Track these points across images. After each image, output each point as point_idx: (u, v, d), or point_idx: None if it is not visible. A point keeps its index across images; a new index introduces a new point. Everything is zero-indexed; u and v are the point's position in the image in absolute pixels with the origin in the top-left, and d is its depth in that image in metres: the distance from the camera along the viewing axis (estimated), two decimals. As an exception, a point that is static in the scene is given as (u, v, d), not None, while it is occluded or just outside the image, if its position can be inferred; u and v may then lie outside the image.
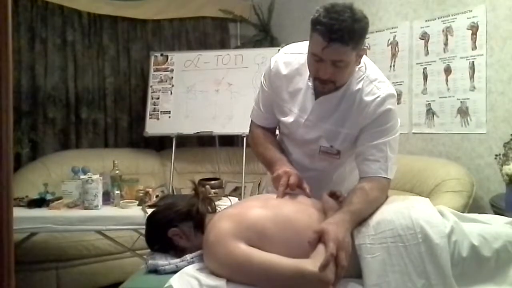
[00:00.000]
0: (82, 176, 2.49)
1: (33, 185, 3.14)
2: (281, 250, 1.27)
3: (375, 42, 3.50)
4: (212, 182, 2.88)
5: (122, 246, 2.82)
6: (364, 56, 1.53)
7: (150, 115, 3.97)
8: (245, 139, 3.69)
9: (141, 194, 2.58)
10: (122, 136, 4.23)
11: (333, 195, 1.49)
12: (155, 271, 1.41)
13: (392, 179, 1.52)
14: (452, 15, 2.99)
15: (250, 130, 1.84)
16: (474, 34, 2.85)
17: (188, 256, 1.41)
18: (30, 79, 3.78)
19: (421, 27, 3.19)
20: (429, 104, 3.15)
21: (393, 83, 3.16)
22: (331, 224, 1.30)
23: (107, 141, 4.16)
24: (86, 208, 2.41)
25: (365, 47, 1.52)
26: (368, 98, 1.50)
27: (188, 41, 4.54)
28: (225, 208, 1.52)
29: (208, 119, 3.86)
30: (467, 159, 2.90)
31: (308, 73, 1.55)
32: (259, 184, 3.94)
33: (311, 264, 1.21)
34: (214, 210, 1.56)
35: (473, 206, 2.59)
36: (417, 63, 3.24)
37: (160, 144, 4.32)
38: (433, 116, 3.13)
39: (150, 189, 2.66)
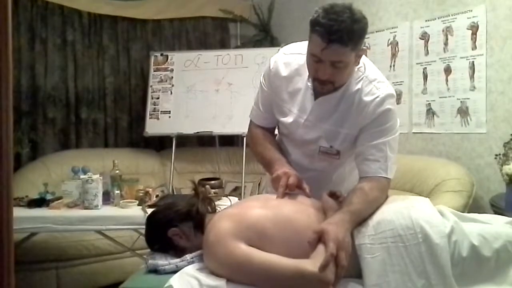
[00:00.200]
0: (82, 176, 2.49)
1: (33, 185, 3.15)
2: (281, 250, 1.27)
3: (375, 42, 3.50)
4: (212, 182, 2.88)
5: (122, 246, 2.82)
6: (363, 56, 1.53)
7: (150, 115, 3.97)
8: (245, 139, 3.68)
9: (141, 194, 2.58)
10: (122, 136, 4.23)
11: (333, 195, 1.49)
12: (155, 271, 1.41)
13: (392, 179, 1.52)
14: (452, 15, 2.99)
15: (249, 129, 1.84)
16: (474, 34, 2.85)
17: (188, 256, 1.41)
18: (30, 79, 3.78)
19: (421, 27, 3.19)
20: (429, 104, 3.15)
21: (393, 83, 3.18)
22: (331, 224, 1.30)
23: (107, 141, 4.16)
24: (86, 208, 2.42)
25: (364, 47, 1.52)
26: (367, 98, 1.50)
27: (188, 41, 4.54)
28: (225, 208, 1.52)
29: (208, 119, 3.86)
30: (467, 159, 2.90)
31: (307, 73, 1.54)
32: (259, 184, 3.94)
33: (311, 264, 1.21)
34: (214, 210, 1.56)
35: (473, 206, 2.59)
36: (417, 63, 3.23)
37: (160, 144, 4.32)
38: (433, 116, 3.13)
39: (150, 189, 2.66)
